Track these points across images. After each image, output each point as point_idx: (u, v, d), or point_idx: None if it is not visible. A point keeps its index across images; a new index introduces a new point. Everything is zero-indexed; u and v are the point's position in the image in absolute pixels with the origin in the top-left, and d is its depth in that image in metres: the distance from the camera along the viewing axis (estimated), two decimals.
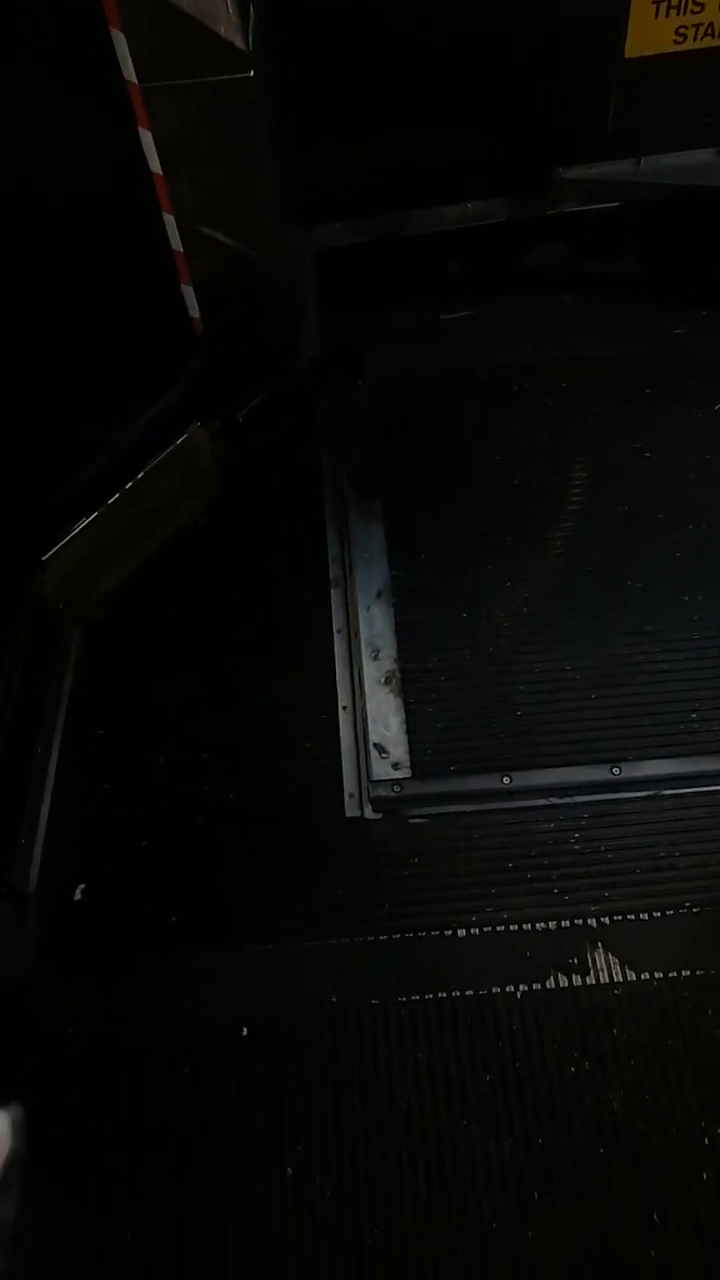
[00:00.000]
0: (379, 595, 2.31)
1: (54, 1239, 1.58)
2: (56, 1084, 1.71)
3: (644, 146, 2.59)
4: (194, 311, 2.07)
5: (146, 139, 1.83)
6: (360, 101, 2.36)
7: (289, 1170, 1.63)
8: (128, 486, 2.17)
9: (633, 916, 1.86)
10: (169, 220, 1.88)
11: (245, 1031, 1.76)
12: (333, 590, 2.33)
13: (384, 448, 2.59)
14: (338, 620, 2.29)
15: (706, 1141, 1.62)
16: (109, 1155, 1.65)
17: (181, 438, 2.25)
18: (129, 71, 1.74)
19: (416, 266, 2.84)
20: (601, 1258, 1.54)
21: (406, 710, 2.13)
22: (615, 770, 2.01)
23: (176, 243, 1.92)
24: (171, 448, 2.24)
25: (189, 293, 2.03)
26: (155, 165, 1.87)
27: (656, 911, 1.86)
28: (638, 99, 2.45)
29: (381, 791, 2.02)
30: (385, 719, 2.13)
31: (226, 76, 1.78)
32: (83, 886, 1.93)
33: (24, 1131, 0.85)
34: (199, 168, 1.90)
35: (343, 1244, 1.56)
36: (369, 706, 2.14)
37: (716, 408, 2.63)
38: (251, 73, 1.77)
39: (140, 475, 2.19)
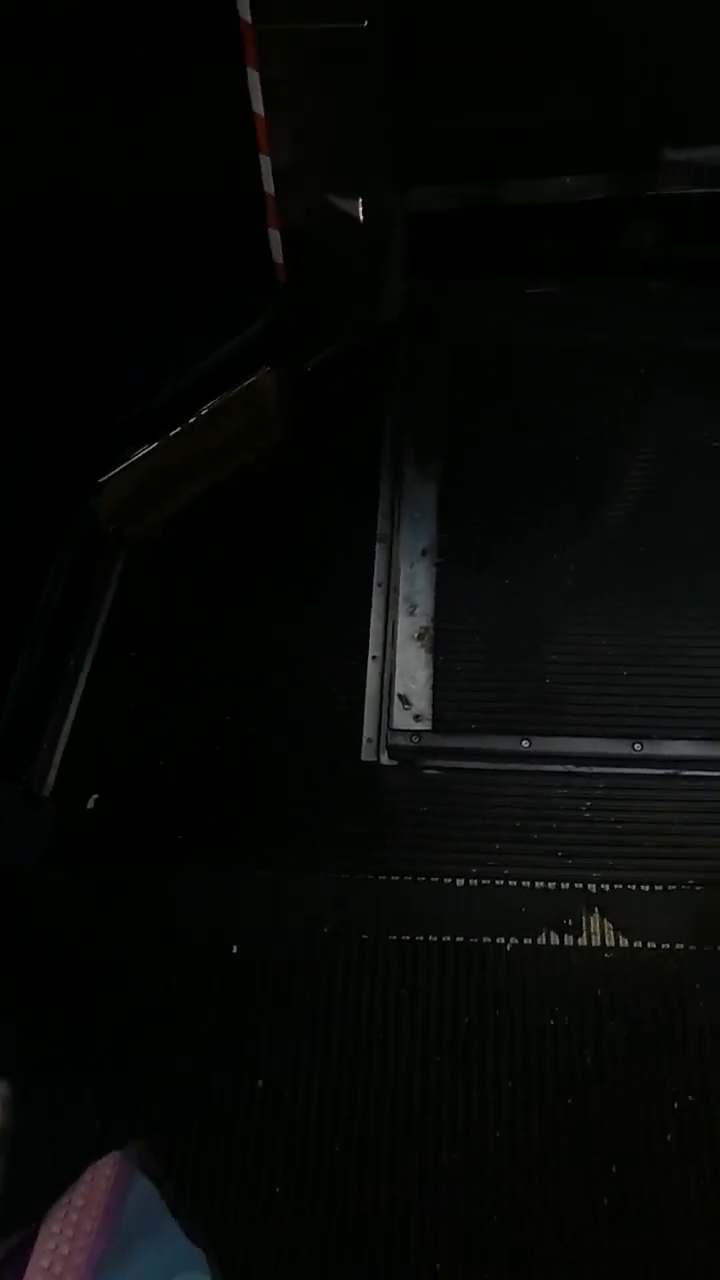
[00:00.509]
0: (423, 554, 2.34)
1: (28, 1126, 1.65)
2: (45, 970, 1.78)
3: None
4: (278, 257, 2.12)
5: (253, 79, 1.87)
6: (471, 62, 2.36)
7: (260, 1082, 1.68)
8: (191, 421, 2.23)
9: (633, 886, 1.86)
10: (265, 162, 1.93)
11: (235, 950, 1.81)
12: (378, 544, 2.37)
13: (450, 412, 2.61)
14: (379, 574, 2.32)
15: (675, 1106, 1.63)
16: (85, 1047, 1.72)
17: (250, 380, 2.31)
18: (244, 9, 1.78)
19: (508, 237, 2.84)
20: (555, 1198, 1.56)
21: (435, 666, 2.16)
22: (637, 746, 2.02)
23: (269, 185, 1.97)
24: (239, 389, 2.30)
25: (275, 237, 2.08)
26: (259, 106, 1.91)
27: (658, 885, 1.86)
28: None
29: (400, 740, 2.05)
30: (413, 672, 2.16)
31: (340, 25, 1.82)
32: (96, 797, 2.00)
33: (10, 1106, 0.90)
34: (302, 114, 1.95)
35: (303, 1156, 1.61)
36: (398, 659, 2.17)
37: None
38: (365, 23, 1.80)
39: (205, 411, 2.26)
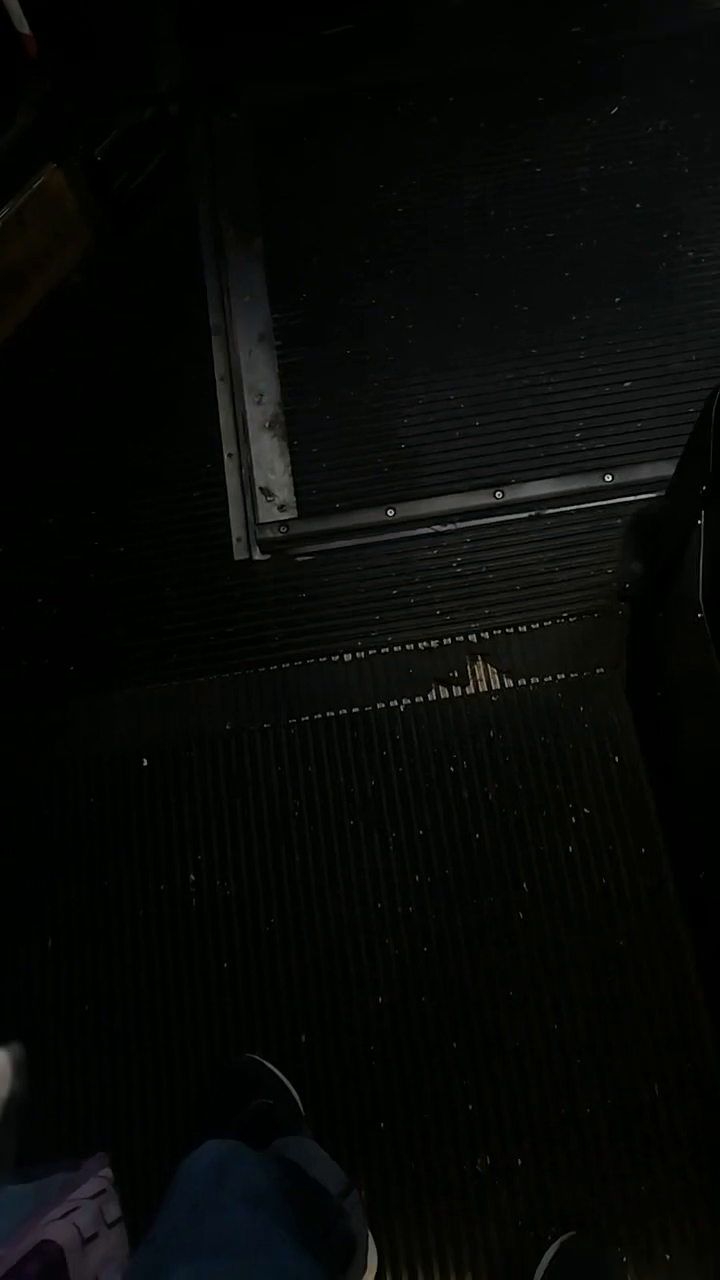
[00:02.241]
0: (260, 339, 2.26)
1: None
2: None
3: None
4: (23, 26, 1.91)
5: None
6: None
7: (191, 877, 1.77)
8: None
9: (511, 630, 1.93)
10: None
11: (145, 762, 1.86)
12: (213, 337, 2.28)
13: (263, 183, 2.45)
14: (219, 368, 2.25)
15: (573, 820, 1.76)
16: (22, 881, 1.78)
17: (36, 182, 2.13)
18: None
19: None
20: (475, 923, 1.70)
21: (291, 453, 2.13)
22: (498, 494, 2.04)
23: None
24: (27, 194, 2.12)
25: (12, 3, 1.86)
26: None
27: (535, 624, 1.94)
28: None
29: (268, 533, 2.05)
30: (270, 463, 2.13)
31: None
32: None
33: (23, 1071, 0.91)
34: None
35: (242, 932, 1.72)
36: (254, 451, 2.14)
37: (613, 112, 2.48)
38: None
39: None
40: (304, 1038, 1.65)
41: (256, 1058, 1.61)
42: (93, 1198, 0.79)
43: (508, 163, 2.41)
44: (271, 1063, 1.60)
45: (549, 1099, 1.59)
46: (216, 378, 2.23)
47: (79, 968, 1.72)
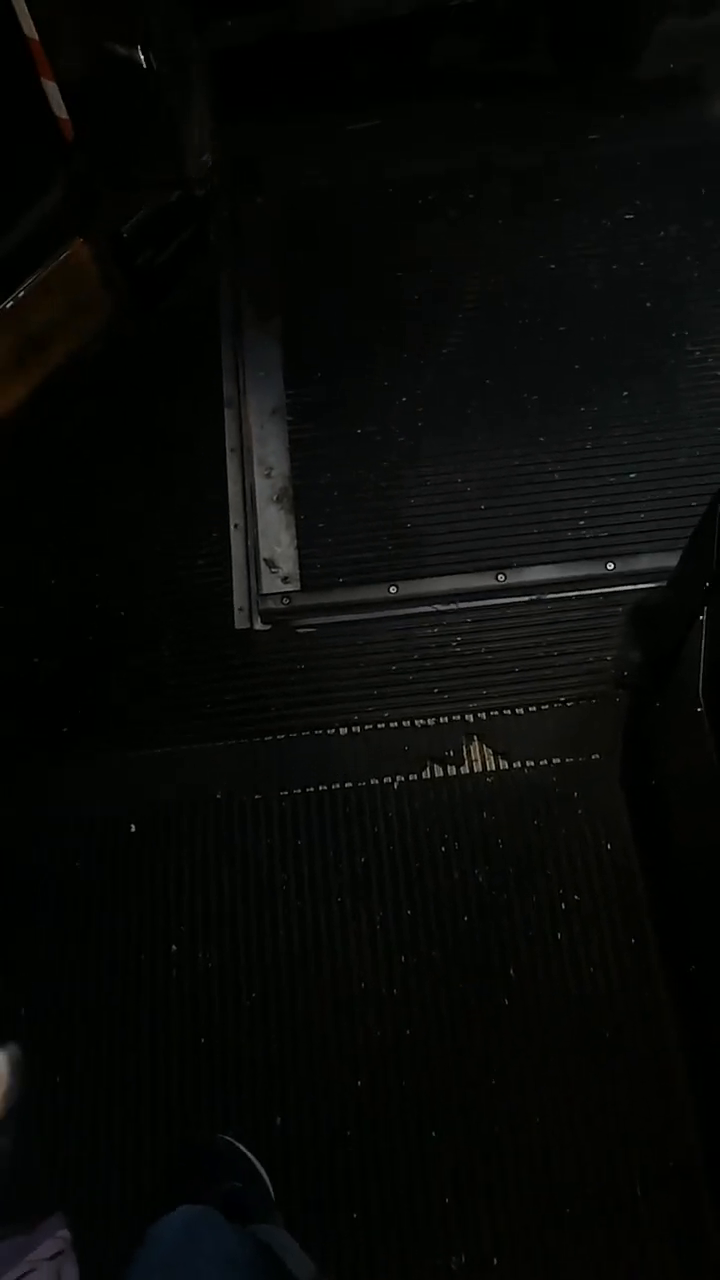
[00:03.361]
0: (273, 413, 2.30)
1: None
2: None
3: None
4: (60, 111, 1.98)
5: None
6: None
7: (173, 946, 1.75)
8: (7, 306, 2.12)
9: (509, 711, 1.93)
10: (17, 3, 1.78)
11: (133, 828, 1.84)
12: (227, 409, 2.32)
13: (284, 264, 2.53)
14: (231, 439, 2.28)
15: (563, 907, 1.74)
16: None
17: (62, 254, 2.19)
18: None
19: (320, 71, 2.70)
20: (460, 1008, 1.67)
21: (298, 526, 2.16)
22: (500, 577, 2.06)
23: (30, 30, 1.83)
24: (52, 266, 2.18)
25: (53, 90, 1.94)
26: None
27: (532, 706, 1.94)
28: None
29: (271, 604, 2.06)
30: (276, 535, 2.15)
31: None
32: None
33: (21, 1070, 0.90)
34: None
35: (222, 1005, 1.69)
36: (260, 523, 2.16)
37: (627, 216, 2.56)
38: None
39: (20, 294, 2.14)
40: (279, 1120, 1.61)
41: (229, 1139, 1.57)
42: (50, 1259, 0.77)
43: (523, 257, 2.48)
44: (244, 1144, 1.56)
45: (528, 1194, 1.55)
46: (228, 449, 2.27)
47: (52, 1034, 1.69)
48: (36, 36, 1.84)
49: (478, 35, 2.66)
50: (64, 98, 1.96)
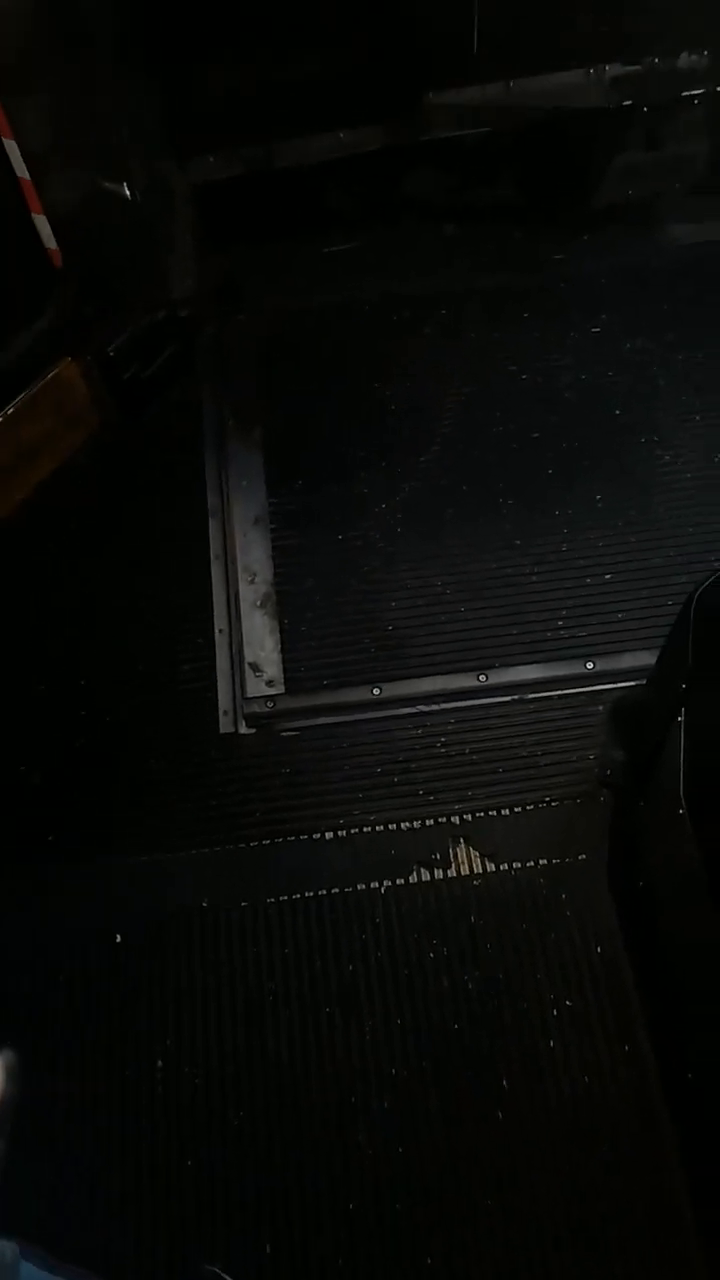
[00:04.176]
0: (256, 521, 2.35)
1: None
2: None
3: (512, 69, 2.60)
4: (50, 242, 2.08)
5: None
6: (219, 20, 2.33)
7: (159, 1063, 1.70)
8: None
9: (494, 813, 1.93)
10: (10, 146, 1.89)
11: (118, 938, 1.82)
12: (211, 519, 2.37)
13: (265, 379, 2.61)
14: (215, 547, 2.33)
15: (555, 1013, 1.72)
16: None
17: (51, 373, 2.27)
18: None
19: (298, 199, 2.83)
20: (454, 1122, 1.63)
21: (282, 630, 2.19)
22: (481, 677, 2.08)
23: (22, 170, 1.93)
24: (42, 383, 2.26)
25: (42, 223, 2.04)
26: None
27: (517, 807, 1.94)
28: (501, 19, 2.45)
29: (255, 708, 2.08)
30: (260, 640, 2.18)
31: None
32: None
33: (17, 1076, 0.89)
34: (41, 95, 1.91)
35: (208, 1125, 1.64)
36: (245, 628, 2.19)
37: (594, 330, 2.67)
38: None
39: (10, 410, 2.21)
40: (269, 1248, 1.55)
41: (216, 1270, 1.50)
42: None
43: (495, 369, 2.58)
44: (232, 1275, 1.50)
45: None
46: (212, 556, 2.31)
47: (31, 1160, 1.63)
48: (28, 175, 1.93)
49: (448, 167, 2.81)
50: (53, 229, 2.06)
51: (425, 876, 1.87)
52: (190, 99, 2.39)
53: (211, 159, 2.66)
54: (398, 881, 1.86)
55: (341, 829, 1.92)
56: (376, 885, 1.86)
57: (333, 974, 1.77)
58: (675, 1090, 1.61)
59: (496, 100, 2.68)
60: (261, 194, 2.76)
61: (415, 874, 1.87)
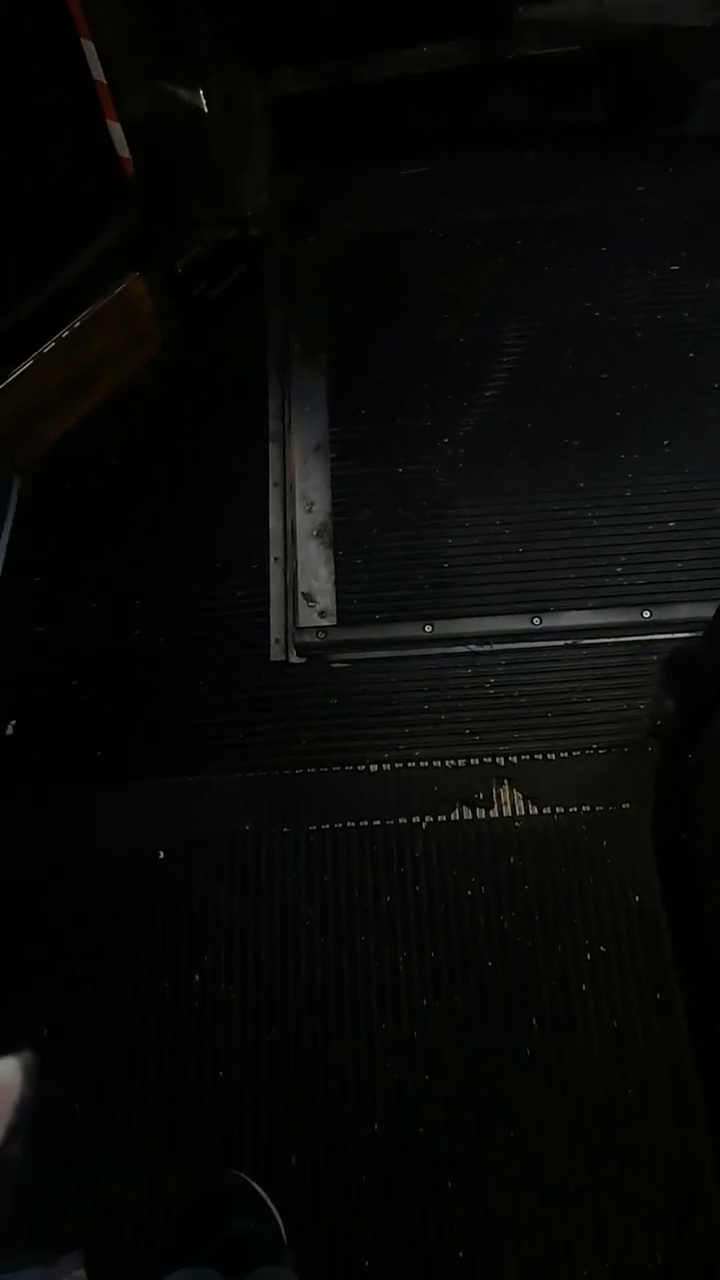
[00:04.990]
0: (317, 449, 2.33)
1: None
2: None
3: None
4: (123, 151, 2.04)
5: None
6: None
7: (196, 977, 1.74)
8: (63, 335, 2.17)
9: (539, 756, 1.93)
10: (88, 47, 1.84)
11: (161, 855, 1.85)
12: (271, 444, 2.35)
13: (333, 304, 2.56)
14: (275, 474, 2.31)
15: (589, 957, 1.73)
16: (28, 962, 1.76)
17: (119, 288, 2.24)
18: None
19: (376, 118, 2.75)
20: (481, 1055, 1.65)
21: (336, 561, 2.18)
22: (536, 620, 2.06)
23: (98, 73, 1.88)
24: (108, 298, 2.23)
25: (116, 130, 2.00)
26: None
27: (563, 752, 1.93)
28: None
29: (307, 638, 2.08)
30: (315, 570, 2.17)
31: None
32: (14, 722, 2.01)
33: (33, 1078, 0.92)
34: None
35: (242, 1040, 1.68)
36: (300, 557, 2.18)
37: (673, 267, 2.58)
38: None
39: (76, 325, 2.19)
40: (294, 1159, 1.60)
41: (243, 1176, 1.56)
42: None
43: (568, 305, 2.50)
44: (259, 1182, 1.55)
45: (543, 1255, 1.52)
46: (271, 483, 2.29)
47: (72, 1062, 1.69)
48: (104, 79, 1.89)
49: (532, 87, 2.70)
50: (127, 137, 2.01)
51: (467, 815, 1.87)
52: (272, 8, 2.31)
53: (290, 71, 2.58)
54: (439, 818, 1.87)
55: (386, 763, 1.93)
56: (418, 820, 1.87)
57: (370, 904, 1.79)
58: (705, 1042, 1.62)
59: (588, 16, 2.56)
60: (338, 111, 2.69)
61: (457, 811, 1.88)
